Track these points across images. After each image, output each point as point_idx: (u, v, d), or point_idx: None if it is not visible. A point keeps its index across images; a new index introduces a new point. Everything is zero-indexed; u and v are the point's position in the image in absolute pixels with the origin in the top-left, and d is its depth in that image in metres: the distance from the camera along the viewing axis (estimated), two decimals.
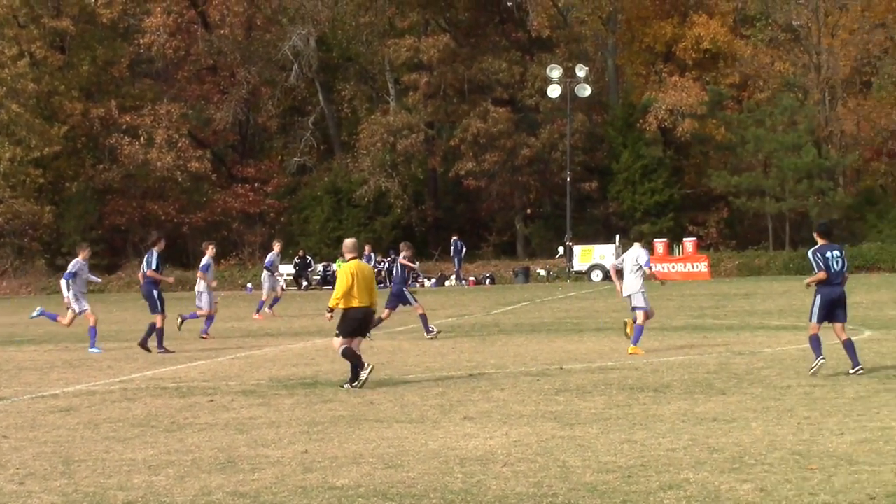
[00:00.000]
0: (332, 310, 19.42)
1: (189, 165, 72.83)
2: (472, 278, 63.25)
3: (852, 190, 71.06)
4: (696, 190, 73.09)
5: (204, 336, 29.93)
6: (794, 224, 69.54)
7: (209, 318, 30.71)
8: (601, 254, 61.22)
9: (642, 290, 23.12)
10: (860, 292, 40.42)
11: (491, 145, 70.63)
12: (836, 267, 18.02)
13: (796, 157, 66.55)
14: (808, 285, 18.51)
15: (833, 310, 18.17)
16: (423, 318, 28.47)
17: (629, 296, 23.26)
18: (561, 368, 20.59)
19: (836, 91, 71.57)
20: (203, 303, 30.82)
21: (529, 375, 19.69)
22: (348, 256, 19.43)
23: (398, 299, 28.94)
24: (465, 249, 63.90)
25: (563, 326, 30.81)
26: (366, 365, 18.64)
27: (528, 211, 75.15)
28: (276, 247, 40.32)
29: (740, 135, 69.45)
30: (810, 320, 18.36)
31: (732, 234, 72.38)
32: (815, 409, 14.88)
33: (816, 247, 18.35)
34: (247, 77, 75.15)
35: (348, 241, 19.72)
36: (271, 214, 76.02)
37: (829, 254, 18.07)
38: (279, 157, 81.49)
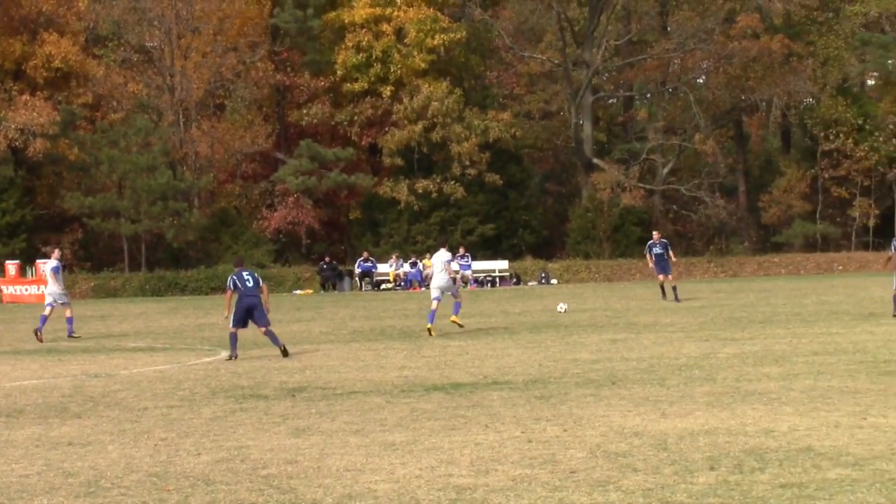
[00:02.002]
0: None
1: None
2: None
3: (207, 211, 72.01)
4: (49, 211, 71.54)
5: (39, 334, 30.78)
6: (149, 245, 69.68)
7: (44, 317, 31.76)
8: None
9: (439, 287, 30.26)
10: (216, 314, 40.79)
11: None
12: None
13: (151, 178, 66.70)
14: None
15: None
16: None
17: (439, 287, 30.25)
18: None
19: (191, 113, 72.32)
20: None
21: None
22: None
23: None
24: None
25: None
26: None
27: None
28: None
29: (94, 155, 68.71)
30: None
31: (88, 255, 71.38)
32: (173, 430, 14.67)
33: None
34: None
35: None
36: None
37: None
38: None
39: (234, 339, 24.35)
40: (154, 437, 14.15)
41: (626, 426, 13.78)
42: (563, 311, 36.57)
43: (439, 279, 30.64)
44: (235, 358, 23.98)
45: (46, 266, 34.22)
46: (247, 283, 24.58)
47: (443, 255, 31.03)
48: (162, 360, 24.42)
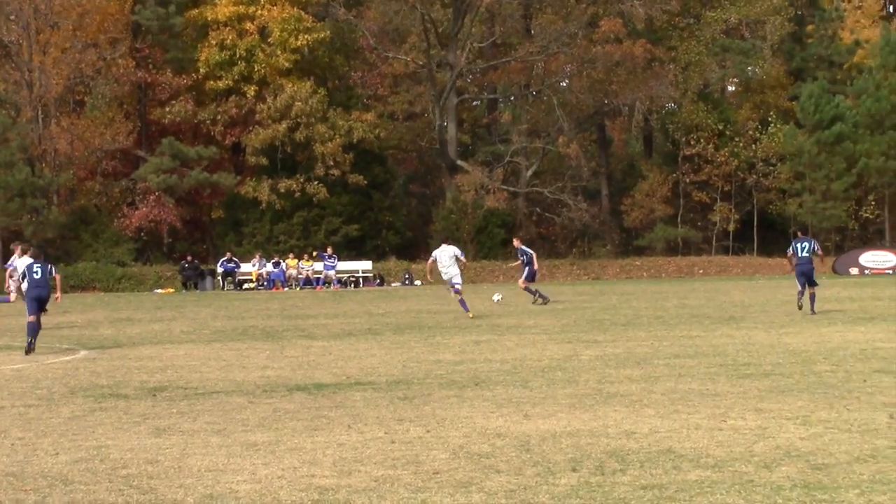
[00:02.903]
0: None
1: None
2: None
3: (67, 209, 70.87)
4: None
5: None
6: (7, 243, 68.23)
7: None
8: None
9: (458, 274, 34.26)
10: (76, 312, 40.25)
11: None
12: None
13: (9, 174, 65.48)
14: None
15: None
16: None
17: (451, 278, 34.15)
18: None
19: (50, 109, 71.03)
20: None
21: None
22: None
23: None
24: None
25: None
26: None
27: None
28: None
29: None
30: None
31: None
32: (30, 429, 14.37)
33: None
34: None
35: None
36: None
37: None
38: None
39: (32, 327, 24.92)
40: (11, 437, 13.84)
41: (489, 427, 13.81)
42: (498, 300, 39.55)
43: (450, 272, 34.13)
44: (32, 350, 24.66)
45: (20, 263, 33.76)
46: (34, 274, 26.00)
47: (449, 249, 34.30)
48: (19, 359, 23.92)
